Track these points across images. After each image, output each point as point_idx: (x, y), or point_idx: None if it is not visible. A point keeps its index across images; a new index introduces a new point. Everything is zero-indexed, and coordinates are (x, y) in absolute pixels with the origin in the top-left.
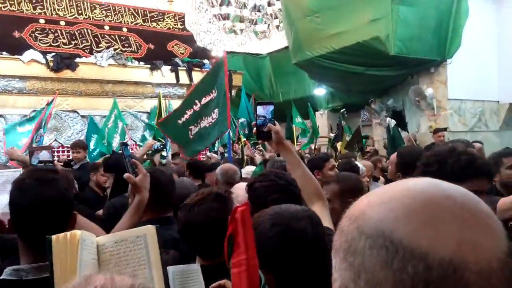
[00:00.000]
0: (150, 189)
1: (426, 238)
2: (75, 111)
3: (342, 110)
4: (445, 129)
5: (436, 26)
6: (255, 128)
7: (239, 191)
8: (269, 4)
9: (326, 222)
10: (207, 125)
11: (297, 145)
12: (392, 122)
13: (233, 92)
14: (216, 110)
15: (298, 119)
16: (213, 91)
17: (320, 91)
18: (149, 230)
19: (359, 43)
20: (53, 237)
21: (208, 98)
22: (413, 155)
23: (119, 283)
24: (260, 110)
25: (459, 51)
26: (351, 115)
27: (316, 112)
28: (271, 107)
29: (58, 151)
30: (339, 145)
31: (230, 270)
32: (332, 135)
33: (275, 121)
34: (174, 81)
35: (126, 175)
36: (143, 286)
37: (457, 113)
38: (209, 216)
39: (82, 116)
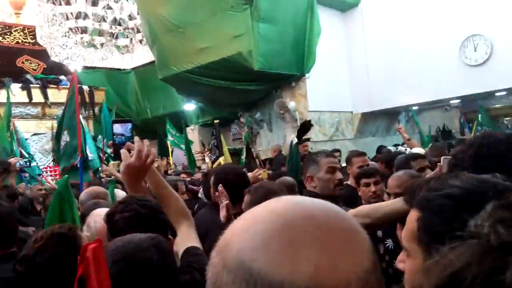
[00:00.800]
0: None
1: (283, 267)
2: None
3: (216, 121)
4: (308, 139)
5: (294, 42)
6: (112, 148)
7: (97, 217)
8: (131, 18)
9: (193, 240)
10: (62, 144)
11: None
12: (294, 140)
13: (96, 110)
14: (66, 132)
15: (171, 138)
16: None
17: (190, 106)
18: None
19: (224, 59)
20: None
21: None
22: (224, 172)
23: None
24: (118, 128)
25: (316, 66)
26: (221, 130)
27: (187, 128)
28: (129, 125)
29: None
30: (221, 159)
31: None
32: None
33: (136, 139)
34: (26, 100)
35: None
36: None
37: (318, 124)
38: (55, 263)
39: None
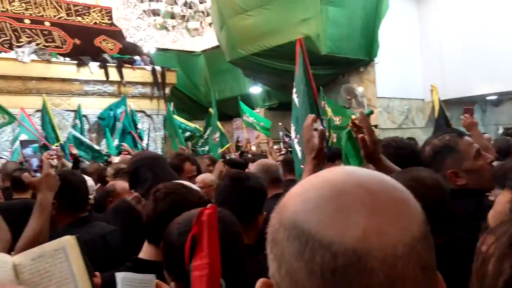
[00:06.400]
0: (61, 192)
1: (333, 228)
2: None
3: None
4: (375, 126)
5: (363, 26)
6: None
7: None
8: (201, 1)
9: None
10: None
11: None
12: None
13: (167, 90)
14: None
15: (247, 117)
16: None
17: (256, 89)
18: (68, 241)
19: (292, 42)
20: None
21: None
22: None
23: None
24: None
25: (387, 51)
26: (286, 114)
27: (253, 110)
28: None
29: None
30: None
31: (190, 272)
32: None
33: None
34: (104, 78)
35: (24, 174)
36: None
37: (386, 110)
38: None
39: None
